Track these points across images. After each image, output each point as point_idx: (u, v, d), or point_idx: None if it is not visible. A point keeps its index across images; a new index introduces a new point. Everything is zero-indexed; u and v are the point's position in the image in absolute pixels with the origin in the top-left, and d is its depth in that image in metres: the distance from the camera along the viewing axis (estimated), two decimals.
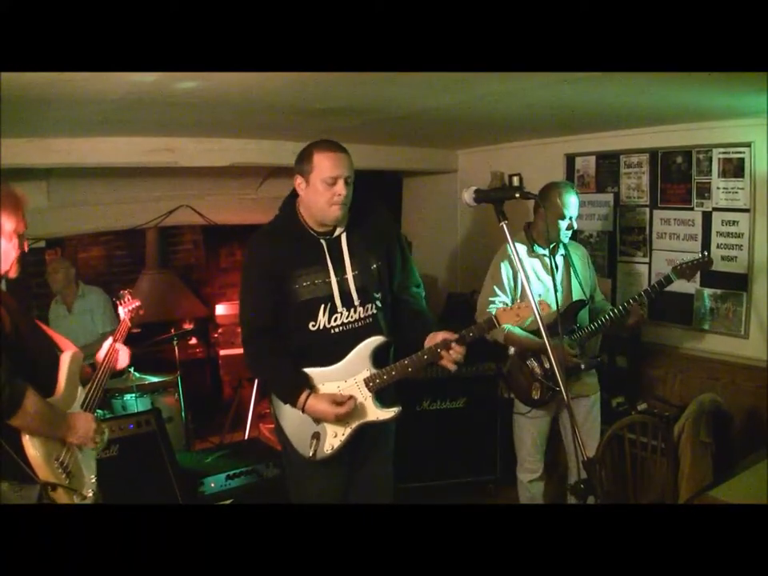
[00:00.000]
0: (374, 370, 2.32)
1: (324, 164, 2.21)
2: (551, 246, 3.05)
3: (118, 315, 2.60)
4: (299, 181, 2.28)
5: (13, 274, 2.02)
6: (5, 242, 1.95)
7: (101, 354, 2.33)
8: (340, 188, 2.21)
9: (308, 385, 2.29)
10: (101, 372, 2.25)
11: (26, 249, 2.04)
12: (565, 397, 1.88)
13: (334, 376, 2.32)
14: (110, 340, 2.39)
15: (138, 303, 2.61)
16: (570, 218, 2.98)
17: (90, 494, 2.02)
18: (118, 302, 2.60)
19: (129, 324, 2.53)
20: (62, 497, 1.89)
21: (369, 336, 2.32)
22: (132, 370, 4.22)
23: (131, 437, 3.27)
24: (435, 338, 2.27)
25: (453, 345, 2.23)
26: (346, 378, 2.32)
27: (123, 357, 2.39)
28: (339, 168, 2.21)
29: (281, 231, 2.37)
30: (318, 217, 2.29)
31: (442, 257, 5.46)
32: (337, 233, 2.33)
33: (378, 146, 4.74)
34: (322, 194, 2.22)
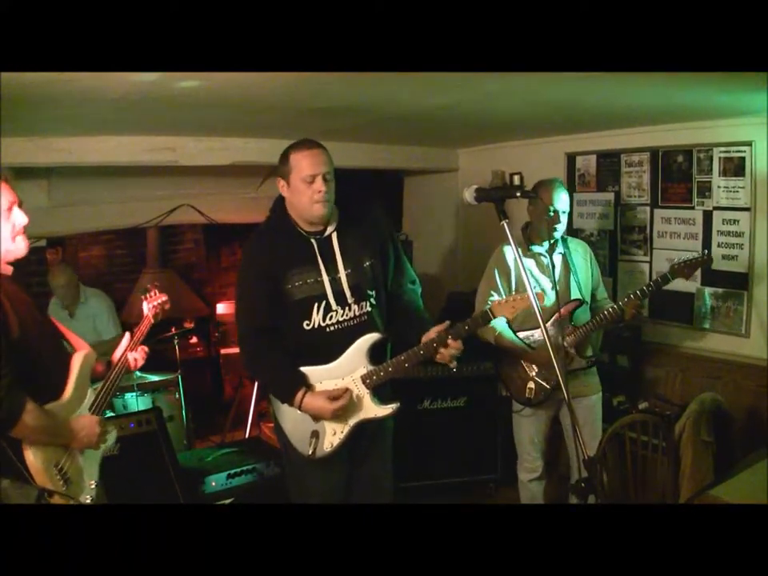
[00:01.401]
0: (370, 367, 2.32)
1: (301, 163, 2.23)
2: (549, 244, 3.04)
3: (141, 312, 2.44)
4: (281, 184, 2.31)
5: (17, 252, 1.95)
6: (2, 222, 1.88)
7: (117, 354, 2.26)
8: (319, 185, 2.22)
9: (305, 383, 2.30)
10: (114, 373, 2.18)
11: (28, 220, 1.94)
12: (566, 396, 1.88)
13: (330, 374, 2.33)
14: (127, 338, 2.30)
15: (164, 298, 2.46)
16: (555, 212, 2.95)
17: (88, 501, 1.99)
18: (142, 297, 2.45)
19: (152, 320, 2.39)
20: (57, 502, 1.87)
21: (364, 333, 2.33)
22: None
23: (132, 436, 3.28)
24: (430, 334, 2.28)
25: (449, 340, 2.24)
26: (343, 375, 2.33)
27: (140, 357, 2.32)
28: (316, 165, 2.23)
29: (273, 232, 2.39)
30: (304, 216, 2.31)
31: (442, 256, 5.46)
32: (328, 232, 2.34)
33: (379, 146, 4.73)
34: (304, 193, 2.24)
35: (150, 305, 2.43)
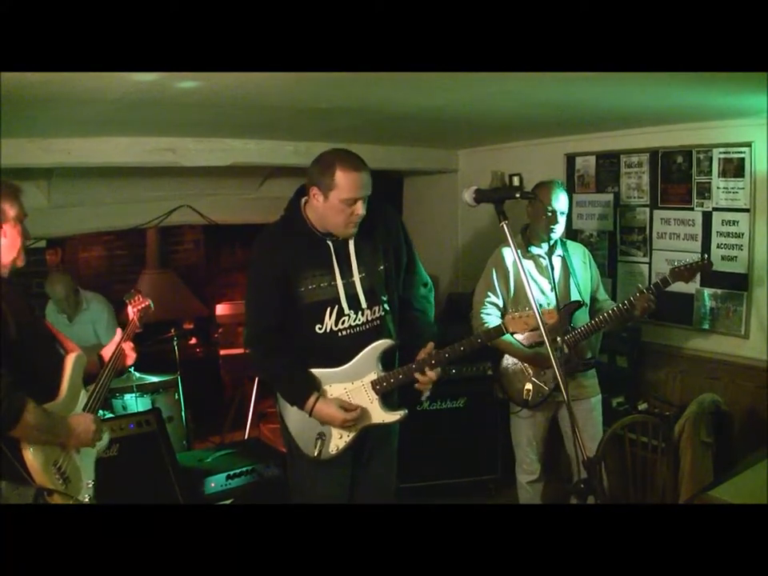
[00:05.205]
0: (381, 373, 2.32)
1: (347, 185, 2.15)
2: (549, 246, 3.03)
3: (127, 315, 2.51)
4: (315, 192, 2.21)
5: (20, 263, 2.01)
6: (9, 228, 1.94)
7: (107, 354, 2.30)
8: (359, 209, 2.19)
9: (316, 387, 2.28)
10: (105, 373, 2.21)
11: (29, 237, 2.03)
12: (565, 397, 1.88)
13: (341, 377, 2.31)
14: (118, 334, 2.34)
15: (147, 303, 2.52)
16: (553, 212, 2.95)
17: (86, 500, 2.00)
18: (127, 302, 2.51)
19: (137, 323, 2.46)
20: (57, 502, 1.88)
21: (376, 339, 2.32)
22: (132, 369, 4.22)
23: (131, 437, 3.28)
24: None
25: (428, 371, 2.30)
26: (353, 379, 2.32)
27: (128, 358, 2.35)
28: (361, 189, 2.17)
29: (287, 232, 2.34)
30: (330, 229, 2.27)
31: (442, 257, 5.45)
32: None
33: (378, 146, 4.73)
34: (341, 213, 2.19)
35: (135, 309, 2.49)
